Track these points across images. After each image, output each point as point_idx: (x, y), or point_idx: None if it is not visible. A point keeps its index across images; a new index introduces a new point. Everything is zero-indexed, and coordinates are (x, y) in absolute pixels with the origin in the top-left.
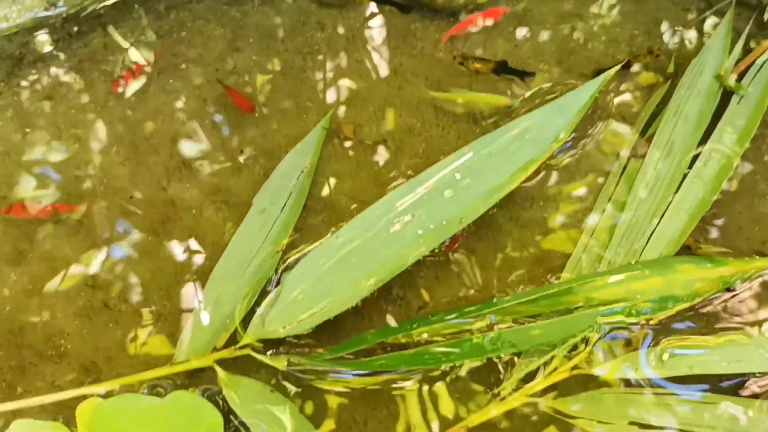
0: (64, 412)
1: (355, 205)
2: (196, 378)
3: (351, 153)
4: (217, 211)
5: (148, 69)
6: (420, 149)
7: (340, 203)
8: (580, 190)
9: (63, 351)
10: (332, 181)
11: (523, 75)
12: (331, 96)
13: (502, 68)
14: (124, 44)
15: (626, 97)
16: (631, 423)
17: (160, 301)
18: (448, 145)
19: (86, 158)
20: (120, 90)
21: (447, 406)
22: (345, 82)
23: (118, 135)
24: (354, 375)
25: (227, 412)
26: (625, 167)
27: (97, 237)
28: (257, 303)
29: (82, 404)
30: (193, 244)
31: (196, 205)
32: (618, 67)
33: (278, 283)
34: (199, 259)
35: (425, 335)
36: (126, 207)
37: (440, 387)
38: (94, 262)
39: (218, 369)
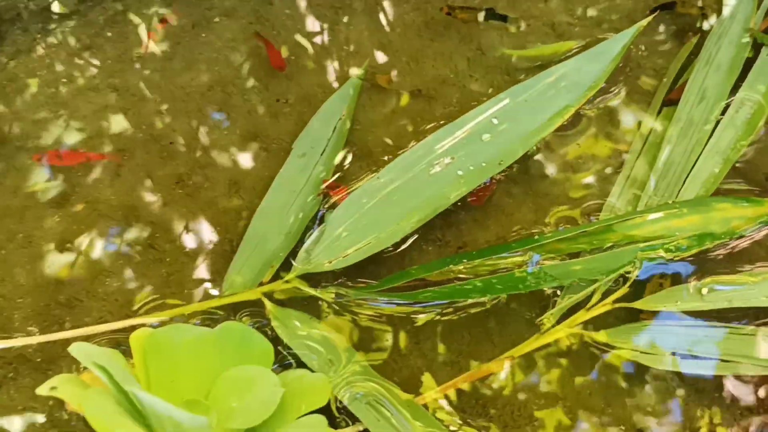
0: (113, 345)
1: (391, 151)
2: (244, 311)
3: (386, 102)
4: (256, 157)
5: (182, 21)
6: (454, 99)
7: (376, 149)
8: (615, 136)
9: (109, 289)
10: (369, 128)
11: (506, 19)
12: (365, 47)
13: (490, 15)
14: None
15: (658, 49)
16: (672, 353)
17: (203, 239)
18: (482, 95)
19: (124, 107)
20: (156, 41)
21: (490, 338)
22: (378, 35)
23: (155, 84)
24: (398, 304)
25: (275, 344)
26: (658, 114)
27: (138, 181)
28: (300, 242)
29: (135, 333)
30: (234, 186)
31: (235, 150)
32: (650, 18)
33: (321, 222)
34: (239, 201)
35: (466, 273)
36: (166, 153)
37: (483, 320)
38: (137, 205)
39: (266, 301)
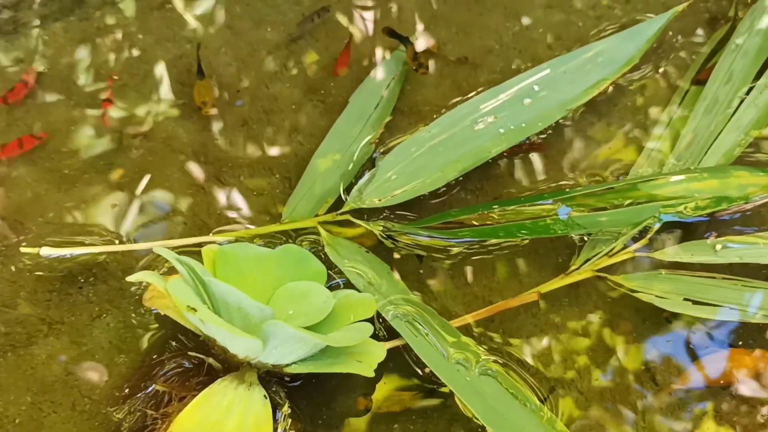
0: None
1: (436, 110)
2: (302, 238)
3: (436, 66)
4: (315, 108)
5: None
6: (498, 68)
7: (424, 108)
8: (645, 109)
9: (178, 212)
10: (418, 88)
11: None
12: (417, 17)
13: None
14: None
15: (690, 33)
16: (685, 299)
17: (265, 174)
18: (524, 66)
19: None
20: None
21: (518, 277)
22: (430, 7)
23: (225, 39)
24: (436, 239)
25: (327, 270)
26: (686, 92)
27: (207, 122)
28: (352, 184)
29: (206, 247)
30: (293, 132)
31: (296, 101)
32: (686, 4)
33: (373, 166)
34: (298, 145)
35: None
36: (234, 99)
37: (513, 261)
38: (205, 143)
39: (321, 229)
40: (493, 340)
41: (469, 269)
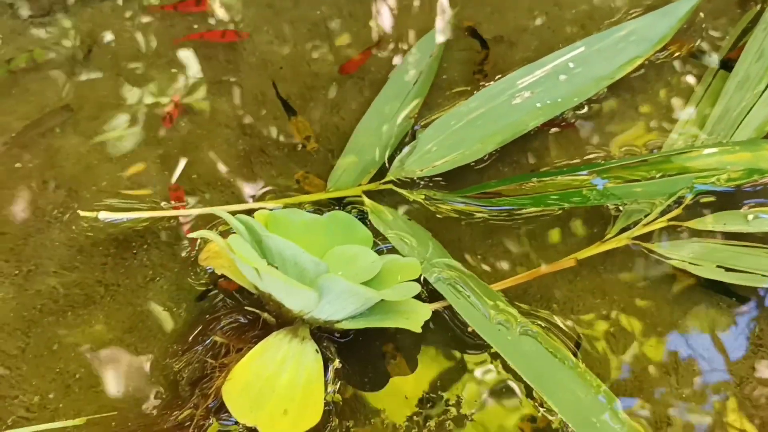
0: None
1: (474, 86)
2: (348, 205)
3: (472, 44)
4: (355, 84)
5: None
6: (532, 46)
7: (461, 84)
8: (677, 86)
9: (228, 182)
10: (455, 65)
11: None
12: None
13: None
14: None
15: (721, 14)
16: (718, 266)
17: (308, 148)
18: (558, 44)
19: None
20: None
21: (554, 245)
22: None
23: (266, 17)
24: (476, 206)
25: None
26: (717, 71)
27: (251, 95)
28: (393, 155)
29: (258, 212)
30: (335, 107)
31: (336, 77)
32: None
33: (414, 138)
34: (339, 119)
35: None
36: (276, 76)
37: (553, 228)
38: (248, 115)
39: (365, 198)
40: (530, 304)
41: (506, 237)
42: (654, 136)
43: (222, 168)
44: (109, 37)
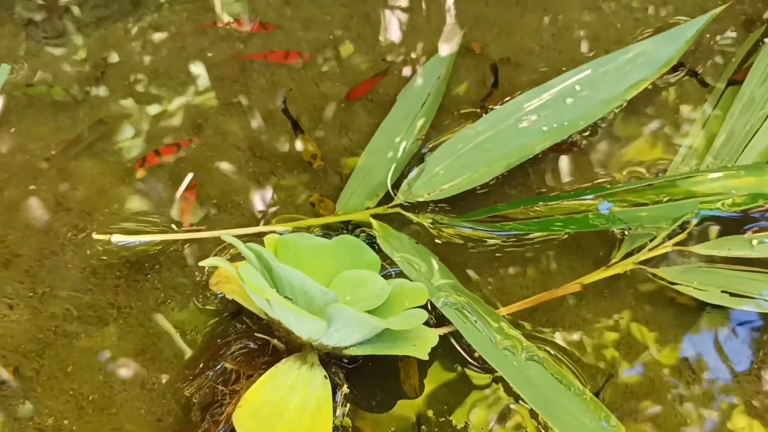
0: None
1: (481, 109)
2: (356, 229)
3: (479, 66)
4: (363, 106)
5: None
6: (538, 67)
7: (468, 106)
8: (683, 109)
9: (238, 204)
10: (462, 87)
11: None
12: (462, 18)
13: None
14: None
15: (726, 35)
16: (723, 291)
17: (316, 171)
18: (563, 66)
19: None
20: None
21: (560, 269)
22: (474, 7)
23: (276, 39)
24: (483, 231)
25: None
26: (723, 91)
27: (261, 117)
28: (401, 178)
29: (268, 236)
30: (343, 129)
31: (345, 99)
32: (723, 7)
33: (421, 161)
34: (348, 141)
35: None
36: (286, 97)
37: (559, 252)
38: (260, 139)
39: (373, 221)
40: (536, 328)
41: (512, 261)
42: (659, 160)
43: (232, 189)
44: (120, 57)
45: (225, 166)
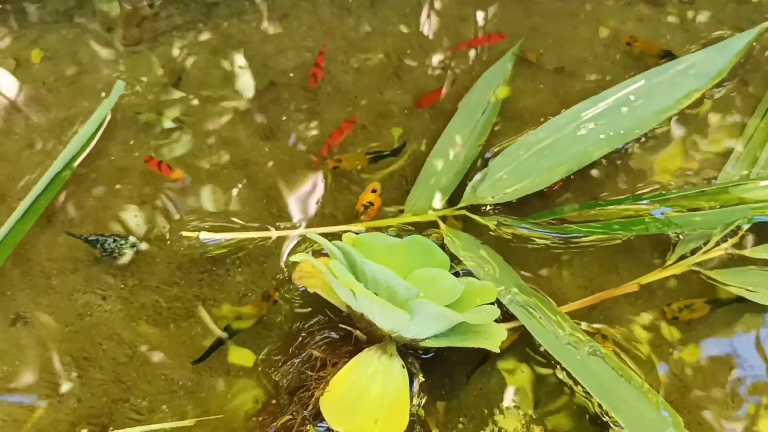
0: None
1: (537, 116)
2: (426, 230)
3: (535, 75)
4: (425, 112)
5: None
6: (592, 77)
7: (525, 114)
8: (734, 119)
9: (309, 206)
10: (520, 96)
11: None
12: (519, 30)
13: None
14: None
15: None
16: None
17: (384, 172)
18: (616, 76)
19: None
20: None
21: (617, 270)
22: (530, 19)
23: (341, 48)
24: (545, 233)
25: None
26: None
27: (329, 123)
28: (464, 182)
29: (345, 235)
30: (407, 134)
31: (407, 106)
32: None
33: (485, 166)
34: (411, 146)
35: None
36: (351, 107)
37: (612, 255)
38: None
39: (440, 223)
40: (595, 325)
41: (572, 261)
42: (709, 167)
43: (307, 193)
44: (195, 64)
45: (300, 170)
